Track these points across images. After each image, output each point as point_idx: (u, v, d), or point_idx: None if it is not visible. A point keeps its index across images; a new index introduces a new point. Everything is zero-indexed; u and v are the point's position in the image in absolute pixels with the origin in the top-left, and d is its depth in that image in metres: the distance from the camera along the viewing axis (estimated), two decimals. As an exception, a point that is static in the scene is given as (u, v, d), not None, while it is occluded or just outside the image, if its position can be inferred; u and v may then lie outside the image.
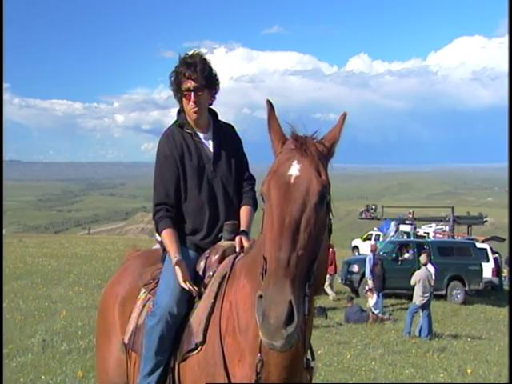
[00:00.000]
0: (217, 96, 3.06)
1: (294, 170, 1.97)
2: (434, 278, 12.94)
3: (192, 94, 2.87)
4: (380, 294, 15.82)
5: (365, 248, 32.70)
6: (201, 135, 3.00)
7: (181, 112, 3.05)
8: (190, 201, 2.92)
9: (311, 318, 2.26)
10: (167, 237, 2.85)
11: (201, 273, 2.78)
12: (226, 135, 3.06)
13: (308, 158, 2.00)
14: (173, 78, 2.94)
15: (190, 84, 2.86)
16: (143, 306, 3.05)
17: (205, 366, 2.43)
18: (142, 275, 3.18)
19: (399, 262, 18.99)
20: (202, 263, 2.80)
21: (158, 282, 2.99)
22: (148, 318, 2.81)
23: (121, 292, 3.27)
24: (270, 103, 2.16)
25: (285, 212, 1.89)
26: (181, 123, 3.01)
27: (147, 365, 2.74)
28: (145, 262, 3.34)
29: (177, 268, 2.73)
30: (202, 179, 2.91)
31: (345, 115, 2.16)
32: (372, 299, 14.95)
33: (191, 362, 2.53)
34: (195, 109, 2.90)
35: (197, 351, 2.51)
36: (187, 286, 2.70)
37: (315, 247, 1.90)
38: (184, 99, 2.92)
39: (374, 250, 17.32)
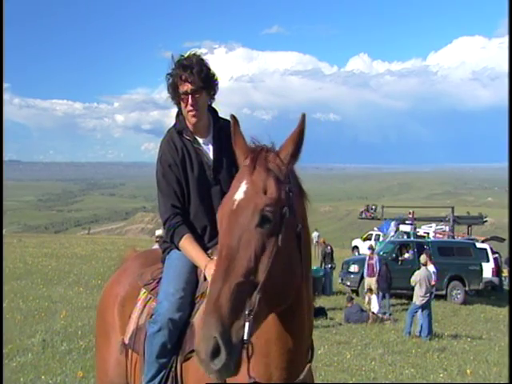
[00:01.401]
0: (217, 96, 3.02)
1: (240, 192, 1.96)
2: (435, 278, 12.92)
3: (189, 97, 2.82)
4: (386, 295, 15.99)
5: (365, 248, 32.68)
6: (200, 140, 2.96)
7: (180, 115, 3.00)
8: (191, 209, 2.91)
9: (310, 317, 2.23)
10: (187, 243, 2.79)
11: (202, 276, 2.75)
12: (226, 134, 3.01)
13: (256, 175, 1.97)
14: (170, 81, 2.89)
15: (187, 87, 2.81)
16: (144, 306, 3.04)
17: None
18: (142, 275, 3.17)
19: (399, 262, 19.02)
20: None
21: (158, 282, 2.98)
22: (149, 324, 2.78)
23: (121, 292, 3.26)
24: (234, 118, 2.18)
25: (223, 243, 1.91)
26: (179, 129, 2.96)
27: (150, 369, 2.73)
28: (144, 263, 3.34)
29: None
30: (203, 187, 2.89)
31: (303, 116, 2.05)
32: (373, 299, 14.96)
33: (194, 362, 2.52)
34: (193, 112, 2.85)
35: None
36: None
37: (258, 269, 1.86)
38: (182, 103, 2.88)
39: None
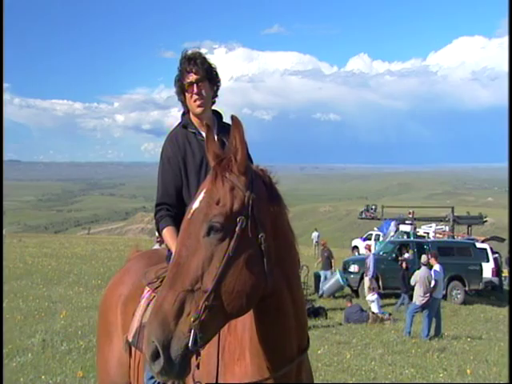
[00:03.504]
0: (218, 96, 3.09)
1: (196, 202, 2.00)
2: (440, 278, 12.85)
3: (194, 85, 2.92)
4: (405, 296, 16.06)
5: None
6: (204, 134, 3.01)
7: (185, 114, 3.09)
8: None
9: (298, 318, 2.21)
10: (168, 234, 2.87)
11: None
12: (228, 136, 3.07)
13: (213, 186, 2.00)
14: (176, 79, 2.99)
15: (192, 77, 2.92)
16: (147, 305, 3.05)
17: (207, 364, 2.44)
18: (146, 274, 3.20)
19: (399, 262, 19.01)
20: None
21: (162, 281, 3.00)
22: None
23: (124, 292, 3.28)
24: (207, 126, 2.23)
25: (174, 251, 1.97)
26: (185, 124, 3.05)
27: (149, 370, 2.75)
28: (148, 262, 3.36)
29: None
30: (206, 176, 2.92)
31: (232, 117, 2.02)
32: (372, 298, 14.96)
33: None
34: (199, 102, 2.93)
35: None
36: None
37: (206, 277, 1.86)
38: (187, 94, 2.96)
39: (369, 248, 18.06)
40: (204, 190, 2.02)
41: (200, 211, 1.95)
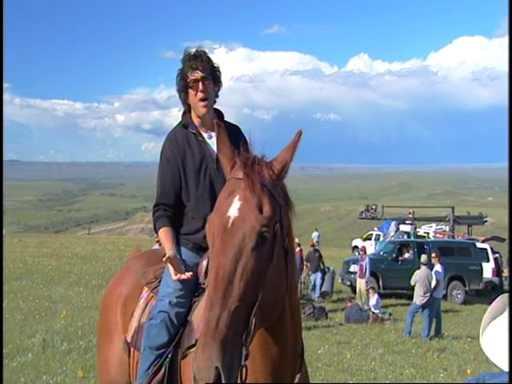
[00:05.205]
0: (219, 96, 3.05)
1: (234, 209, 1.88)
2: (440, 278, 12.83)
3: (200, 83, 2.87)
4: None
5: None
6: (205, 135, 2.99)
7: (185, 113, 3.05)
8: (192, 200, 2.94)
9: (295, 327, 2.21)
10: (163, 235, 2.88)
11: (203, 273, 2.77)
12: (230, 135, 3.05)
13: (251, 192, 1.89)
14: (179, 77, 2.93)
15: (198, 74, 2.87)
16: (146, 305, 3.08)
17: None
18: (144, 274, 3.22)
19: (399, 262, 19.02)
20: (205, 262, 2.77)
21: (160, 282, 3.02)
22: (148, 320, 2.87)
23: (123, 292, 3.29)
24: (218, 124, 2.16)
25: (219, 264, 1.83)
26: (185, 123, 3.01)
27: (146, 361, 2.78)
28: (147, 262, 3.37)
29: (168, 264, 2.76)
30: (205, 178, 2.92)
31: (300, 133, 2.00)
32: (372, 298, 14.97)
33: (191, 359, 2.54)
34: (204, 101, 2.88)
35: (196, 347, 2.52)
36: (181, 278, 2.70)
37: (255, 290, 1.83)
38: (191, 91, 2.90)
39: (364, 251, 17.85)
40: (238, 197, 1.91)
41: (243, 220, 1.85)
